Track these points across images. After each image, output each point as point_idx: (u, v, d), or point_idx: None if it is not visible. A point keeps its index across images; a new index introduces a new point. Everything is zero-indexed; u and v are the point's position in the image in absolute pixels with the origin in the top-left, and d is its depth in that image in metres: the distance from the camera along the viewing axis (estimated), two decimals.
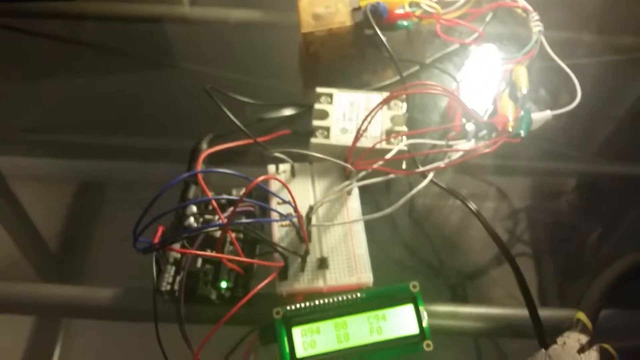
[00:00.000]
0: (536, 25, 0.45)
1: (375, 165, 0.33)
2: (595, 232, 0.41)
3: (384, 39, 0.41)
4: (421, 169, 0.34)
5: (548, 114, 0.41)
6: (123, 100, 0.46)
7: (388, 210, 0.32)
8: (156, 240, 0.28)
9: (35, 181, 0.43)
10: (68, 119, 0.45)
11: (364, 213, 0.35)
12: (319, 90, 0.39)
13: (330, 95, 0.39)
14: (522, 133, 0.37)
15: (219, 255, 0.28)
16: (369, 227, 0.35)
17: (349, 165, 0.33)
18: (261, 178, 0.27)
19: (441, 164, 0.34)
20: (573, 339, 0.31)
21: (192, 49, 0.49)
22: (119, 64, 0.48)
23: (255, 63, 0.47)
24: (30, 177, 0.43)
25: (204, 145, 0.37)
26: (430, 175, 0.33)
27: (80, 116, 0.45)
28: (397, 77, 0.42)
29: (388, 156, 0.34)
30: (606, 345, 0.31)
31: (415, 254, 0.37)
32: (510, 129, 0.38)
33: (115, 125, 0.44)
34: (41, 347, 0.35)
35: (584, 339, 0.31)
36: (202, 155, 0.34)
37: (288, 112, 0.41)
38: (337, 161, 0.34)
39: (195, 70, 0.46)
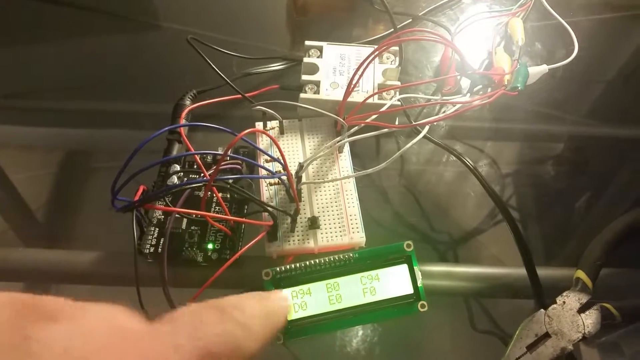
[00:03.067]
0: None
1: (368, 120, 0.32)
2: (580, 195, 0.40)
3: None
4: (417, 122, 0.33)
5: (544, 67, 0.39)
6: (106, 63, 0.43)
7: (381, 166, 0.30)
8: (136, 198, 0.26)
9: (18, 149, 0.41)
10: (51, 84, 0.43)
11: (357, 170, 0.34)
12: (308, 43, 0.37)
13: (320, 49, 0.37)
14: (520, 86, 0.36)
15: (203, 213, 0.27)
16: (361, 188, 0.34)
17: (340, 119, 0.32)
18: (247, 131, 0.25)
19: (436, 117, 0.33)
20: (573, 299, 0.30)
21: (175, 7, 0.46)
22: (101, 24, 0.45)
23: (240, 20, 0.44)
24: (13, 146, 0.41)
25: (187, 100, 0.35)
26: (426, 129, 0.32)
27: (62, 81, 0.43)
28: (389, 31, 0.40)
29: (381, 110, 0.33)
30: (607, 305, 0.30)
31: (408, 214, 0.36)
32: (506, 82, 0.36)
33: (99, 89, 0.42)
34: None
35: (584, 298, 0.30)
36: (185, 111, 0.32)
37: (276, 66, 0.39)
38: (328, 114, 0.32)
39: (179, 30, 0.44)
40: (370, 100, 0.34)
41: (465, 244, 0.36)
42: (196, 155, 0.28)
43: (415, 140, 0.30)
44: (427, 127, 0.32)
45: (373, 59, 0.31)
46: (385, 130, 0.31)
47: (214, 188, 0.28)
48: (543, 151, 0.41)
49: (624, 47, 0.48)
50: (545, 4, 0.44)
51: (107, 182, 0.26)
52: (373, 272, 0.30)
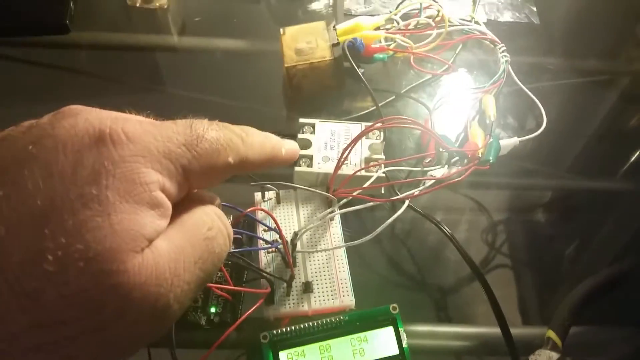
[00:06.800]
0: (504, 56, 0.48)
1: (355, 194, 0.35)
2: (571, 242, 0.43)
3: (360, 72, 0.43)
4: (398, 196, 0.37)
5: (515, 140, 0.43)
6: None
7: (367, 238, 0.33)
8: None
9: None
10: None
11: (347, 232, 0.38)
12: (302, 120, 0.41)
13: (313, 125, 0.41)
14: (491, 159, 0.40)
15: (209, 284, 0.30)
16: (351, 249, 0.37)
17: (330, 195, 0.35)
18: (249, 210, 0.29)
19: (416, 191, 0.37)
20: (544, 357, 0.33)
21: (180, 77, 0.50)
22: (111, 90, 0.49)
23: (240, 90, 0.48)
24: None
25: None
26: (407, 203, 0.36)
27: None
28: (372, 108, 0.44)
29: (367, 184, 0.36)
30: None
31: (395, 275, 0.39)
32: (480, 155, 0.40)
33: None
34: None
35: (554, 356, 0.33)
36: None
37: None
38: (319, 192, 0.36)
39: (183, 96, 0.48)
40: (357, 174, 0.38)
41: (449, 303, 0.39)
42: None
43: (398, 213, 0.34)
44: (407, 201, 0.36)
45: (358, 139, 0.35)
46: (371, 203, 0.34)
47: None
48: (527, 204, 0.46)
49: (594, 110, 0.53)
50: (517, 80, 0.48)
51: None
52: (362, 334, 0.33)
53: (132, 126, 0.20)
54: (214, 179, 0.23)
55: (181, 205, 0.22)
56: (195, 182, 0.22)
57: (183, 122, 0.22)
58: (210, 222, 0.22)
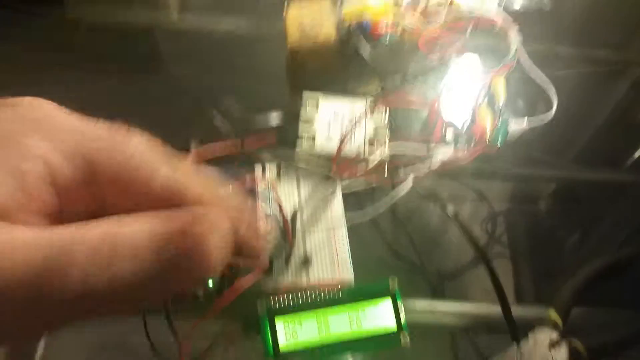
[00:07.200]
0: (515, 37, 0.47)
1: (358, 174, 0.35)
2: (571, 234, 0.43)
3: (366, 53, 0.43)
4: (401, 178, 0.36)
5: (523, 124, 0.43)
6: (112, 107, 0.46)
7: (369, 216, 0.33)
8: None
9: None
10: None
11: (348, 211, 0.37)
12: (305, 96, 0.41)
13: (316, 103, 0.41)
14: (498, 143, 0.39)
15: None
16: (352, 230, 0.37)
17: (332, 175, 0.36)
18: (249, 182, 0.29)
19: (420, 173, 0.36)
20: (544, 335, 0.33)
21: (181, 56, 0.50)
22: (110, 70, 0.49)
23: (242, 69, 0.48)
24: None
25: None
26: (410, 183, 0.35)
27: None
28: (381, 87, 0.44)
29: (370, 165, 0.36)
30: (576, 342, 0.33)
31: (396, 253, 0.39)
32: (488, 137, 0.39)
33: None
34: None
35: (554, 335, 0.33)
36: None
37: (275, 119, 0.42)
38: (322, 170, 0.36)
39: (184, 76, 0.48)
40: (361, 154, 0.37)
41: (449, 282, 0.39)
42: None
43: (401, 194, 0.34)
44: (410, 182, 0.35)
45: (363, 120, 0.35)
46: (374, 184, 0.34)
47: None
48: (530, 193, 0.45)
49: (604, 100, 0.52)
50: (530, 61, 0.47)
51: None
52: (359, 306, 0.33)
53: (48, 105, 0.19)
54: (133, 197, 0.19)
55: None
56: (109, 189, 0.19)
57: (110, 124, 0.20)
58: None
